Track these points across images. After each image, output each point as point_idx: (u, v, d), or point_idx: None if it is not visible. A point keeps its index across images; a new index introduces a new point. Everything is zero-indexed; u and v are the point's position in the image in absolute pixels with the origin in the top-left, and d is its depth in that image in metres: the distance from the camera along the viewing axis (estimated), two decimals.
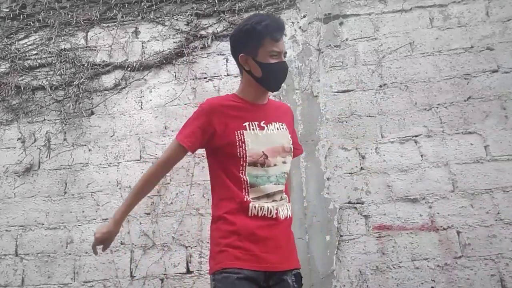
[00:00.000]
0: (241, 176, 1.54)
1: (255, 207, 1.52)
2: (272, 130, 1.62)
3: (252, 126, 1.59)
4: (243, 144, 1.55)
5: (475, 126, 2.68)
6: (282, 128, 1.66)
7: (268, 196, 1.55)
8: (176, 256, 2.71)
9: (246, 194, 1.53)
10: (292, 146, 1.67)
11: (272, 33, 1.56)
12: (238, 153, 1.54)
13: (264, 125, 1.61)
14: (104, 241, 1.65)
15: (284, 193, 1.62)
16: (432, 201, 2.58)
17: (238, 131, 1.56)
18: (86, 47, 3.31)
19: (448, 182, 2.60)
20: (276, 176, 1.58)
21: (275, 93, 2.93)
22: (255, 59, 1.58)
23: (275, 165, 1.58)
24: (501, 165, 2.58)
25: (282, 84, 1.72)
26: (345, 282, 2.52)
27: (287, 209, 1.61)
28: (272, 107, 1.73)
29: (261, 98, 1.67)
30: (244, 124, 1.58)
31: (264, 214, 1.53)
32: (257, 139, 1.58)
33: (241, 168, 1.54)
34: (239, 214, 1.51)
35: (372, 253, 2.54)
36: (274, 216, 1.54)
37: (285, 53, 1.63)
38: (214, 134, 1.57)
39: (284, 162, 1.61)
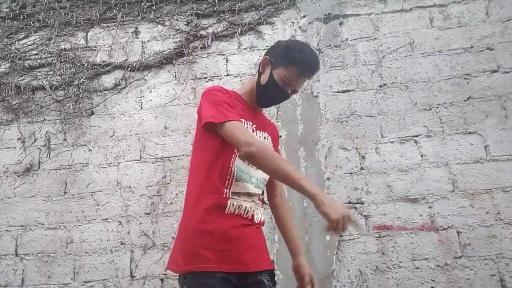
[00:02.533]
0: (231, 165, 1.49)
1: (233, 204, 1.48)
2: (260, 137, 1.64)
3: (246, 124, 1.58)
4: None
5: (475, 126, 2.68)
6: (268, 139, 1.69)
7: (249, 195, 1.54)
8: None
9: (228, 187, 1.48)
10: None
11: (302, 69, 1.58)
12: None
13: (255, 129, 1.62)
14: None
15: (258, 199, 1.61)
16: (432, 201, 2.58)
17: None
18: (86, 47, 3.31)
19: (448, 182, 2.60)
20: (257, 179, 1.58)
21: None
22: (272, 70, 1.60)
23: (257, 168, 1.53)
24: (501, 165, 2.58)
25: (269, 107, 1.77)
26: (345, 282, 2.52)
27: (261, 213, 1.61)
28: (263, 117, 1.78)
29: (255, 105, 1.69)
30: (241, 120, 1.56)
31: (241, 213, 1.50)
32: None
33: (232, 157, 1.50)
34: (215, 211, 1.46)
35: (372, 253, 2.54)
36: (250, 217, 1.53)
37: (296, 91, 1.64)
38: None
39: None
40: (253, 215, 1.53)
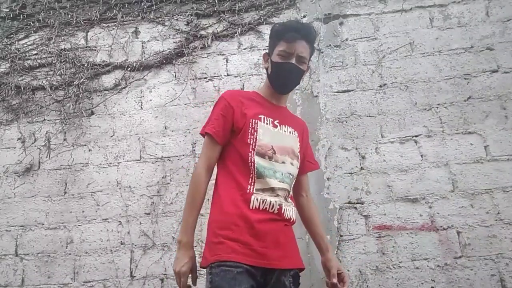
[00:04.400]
0: (250, 163, 1.52)
1: (257, 199, 1.49)
2: (285, 131, 1.65)
3: (266, 121, 1.61)
4: (255, 133, 1.56)
5: (475, 126, 2.68)
6: (294, 134, 1.69)
7: (273, 190, 1.53)
8: None
9: (252, 184, 1.51)
10: (299, 153, 1.67)
11: (286, 34, 1.61)
12: (249, 140, 1.55)
13: (277, 124, 1.63)
14: (190, 270, 1.49)
15: (289, 197, 1.60)
16: (432, 201, 2.58)
17: (253, 120, 1.58)
18: (86, 47, 3.31)
19: (448, 182, 2.60)
20: (282, 174, 1.56)
21: None
22: (270, 58, 1.67)
23: (283, 162, 1.57)
24: (501, 165, 2.58)
25: (292, 87, 1.73)
26: None
27: (292, 211, 1.60)
28: (289, 114, 1.79)
29: (277, 99, 1.71)
30: (259, 116, 1.60)
31: (266, 207, 1.50)
32: (269, 132, 1.59)
33: (249, 155, 1.53)
34: (240, 205, 1.48)
35: (372, 253, 2.54)
36: (276, 211, 1.51)
37: (302, 57, 1.62)
38: (233, 118, 1.58)
39: (291, 164, 1.61)
40: (279, 209, 1.52)
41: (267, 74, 1.70)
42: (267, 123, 1.60)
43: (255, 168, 1.52)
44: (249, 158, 1.53)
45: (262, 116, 1.60)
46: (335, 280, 1.61)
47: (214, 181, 1.63)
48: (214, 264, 1.42)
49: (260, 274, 1.44)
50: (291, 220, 1.60)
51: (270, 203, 1.50)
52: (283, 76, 1.65)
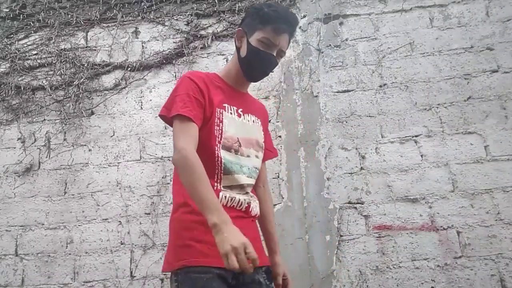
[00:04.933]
0: (216, 157, 1.37)
1: (225, 196, 1.37)
2: (248, 120, 1.52)
3: (231, 110, 1.47)
4: (221, 124, 1.42)
5: (475, 126, 2.68)
6: (258, 123, 1.56)
7: (242, 187, 1.43)
8: None
9: (218, 181, 1.37)
10: (263, 144, 1.56)
11: (277, 23, 1.44)
12: (215, 131, 1.40)
13: (241, 113, 1.50)
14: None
15: (252, 191, 1.50)
16: (432, 201, 2.58)
17: (219, 109, 1.43)
18: (86, 47, 3.31)
19: (448, 182, 2.60)
20: (249, 169, 1.46)
21: (275, 92, 2.94)
22: (248, 38, 1.48)
23: (248, 156, 1.46)
24: (501, 165, 2.58)
25: (263, 78, 1.59)
26: (345, 282, 2.52)
27: (257, 206, 1.50)
28: (251, 99, 1.64)
29: (241, 84, 1.57)
30: (223, 105, 1.45)
31: (234, 205, 1.39)
32: (234, 123, 1.46)
33: (216, 149, 1.38)
34: None
35: (372, 253, 2.54)
36: (244, 209, 1.42)
37: (282, 51, 1.50)
38: (204, 105, 1.40)
39: (256, 157, 1.51)
40: (247, 207, 1.42)
41: (239, 57, 1.50)
42: (231, 112, 1.46)
43: (222, 163, 1.38)
44: (215, 152, 1.38)
45: (226, 105, 1.45)
46: (280, 281, 1.53)
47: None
48: (180, 271, 1.28)
49: (232, 276, 1.30)
50: (257, 216, 1.51)
51: (239, 201, 1.40)
52: (261, 66, 1.50)
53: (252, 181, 1.48)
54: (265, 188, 1.65)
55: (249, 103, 1.59)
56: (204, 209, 1.20)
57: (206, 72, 1.58)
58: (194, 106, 1.37)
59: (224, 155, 1.39)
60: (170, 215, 1.45)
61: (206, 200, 1.21)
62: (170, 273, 1.35)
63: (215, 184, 1.36)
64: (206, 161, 1.33)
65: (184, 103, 1.36)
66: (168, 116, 1.39)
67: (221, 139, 1.40)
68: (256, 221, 1.56)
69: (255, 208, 1.48)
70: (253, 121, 1.54)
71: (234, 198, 1.39)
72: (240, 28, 1.53)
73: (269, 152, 1.65)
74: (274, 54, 1.48)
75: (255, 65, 1.49)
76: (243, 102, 1.54)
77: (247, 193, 1.45)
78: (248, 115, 1.53)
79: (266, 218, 1.63)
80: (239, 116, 1.49)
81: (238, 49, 1.52)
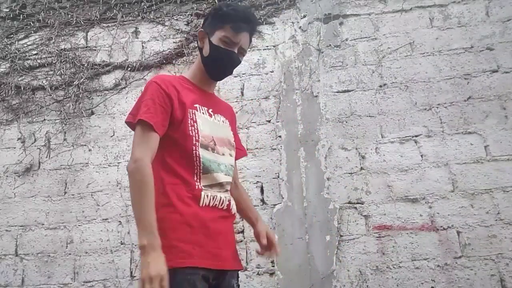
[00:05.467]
0: (194, 157, 1.39)
1: (207, 195, 1.38)
2: (218, 121, 1.55)
3: (202, 110, 1.49)
4: (195, 124, 1.43)
5: (475, 126, 2.68)
6: (226, 123, 1.59)
7: (221, 185, 1.44)
8: None
9: (198, 180, 1.39)
10: (234, 143, 1.59)
11: (235, 22, 1.48)
12: (190, 132, 1.41)
13: (212, 113, 1.53)
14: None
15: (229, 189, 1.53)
16: (432, 201, 2.58)
17: (191, 110, 1.44)
18: (86, 47, 3.31)
19: (448, 182, 2.60)
20: (226, 166, 1.48)
21: (275, 92, 2.94)
22: (210, 38, 1.51)
23: (223, 154, 1.49)
24: (501, 165, 2.58)
25: (226, 76, 1.63)
26: (345, 282, 2.52)
27: (234, 204, 1.52)
28: (218, 100, 1.68)
29: (207, 85, 1.60)
30: (195, 105, 1.47)
31: (216, 204, 1.40)
32: (207, 122, 1.48)
33: (194, 148, 1.40)
34: (189, 202, 1.35)
35: (372, 253, 2.54)
36: (226, 207, 1.44)
37: (243, 49, 1.55)
38: (172, 109, 1.41)
39: (230, 155, 1.53)
40: (228, 205, 1.45)
41: (203, 57, 1.54)
42: (203, 113, 1.48)
43: (200, 162, 1.39)
44: (194, 151, 1.39)
45: (198, 105, 1.47)
46: (264, 241, 1.54)
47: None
48: (168, 271, 1.26)
49: (213, 276, 1.34)
50: (235, 214, 1.52)
51: (220, 199, 1.42)
52: (223, 64, 1.54)
53: (229, 179, 1.50)
54: (236, 184, 1.66)
55: (217, 104, 1.62)
56: (139, 228, 1.25)
57: (173, 75, 1.61)
58: (158, 112, 1.37)
59: (202, 153, 1.41)
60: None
61: (144, 220, 1.25)
62: None
63: (196, 183, 1.38)
64: (185, 161, 1.38)
65: (148, 108, 1.37)
66: (133, 122, 1.39)
67: (198, 138, 1.42)
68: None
69: (234, 206, 1.51)
70: (223, 121, 1.58)
71: (215, 197, 1.41)
72: (202, 30, 1.57)
73: (240, 150, 1.68)
74: (236, 52, 1.52)
75: (218, 63, 1.54)
76: (212, 102, 1.57)
77: (226, 191, 1.48)
78: (218, 115, 1.56)
79: (243, 198, 1.66)
80: (210, 116, 1.52)
81: (200, 49, 1.56)
